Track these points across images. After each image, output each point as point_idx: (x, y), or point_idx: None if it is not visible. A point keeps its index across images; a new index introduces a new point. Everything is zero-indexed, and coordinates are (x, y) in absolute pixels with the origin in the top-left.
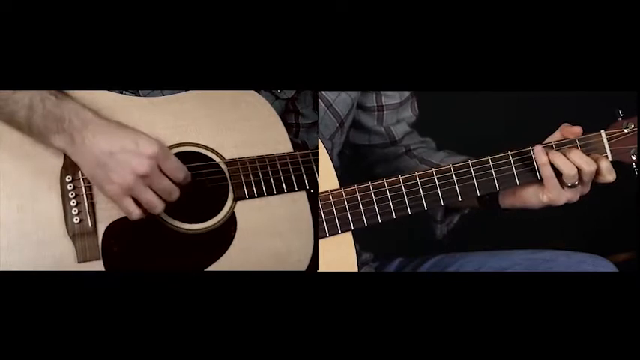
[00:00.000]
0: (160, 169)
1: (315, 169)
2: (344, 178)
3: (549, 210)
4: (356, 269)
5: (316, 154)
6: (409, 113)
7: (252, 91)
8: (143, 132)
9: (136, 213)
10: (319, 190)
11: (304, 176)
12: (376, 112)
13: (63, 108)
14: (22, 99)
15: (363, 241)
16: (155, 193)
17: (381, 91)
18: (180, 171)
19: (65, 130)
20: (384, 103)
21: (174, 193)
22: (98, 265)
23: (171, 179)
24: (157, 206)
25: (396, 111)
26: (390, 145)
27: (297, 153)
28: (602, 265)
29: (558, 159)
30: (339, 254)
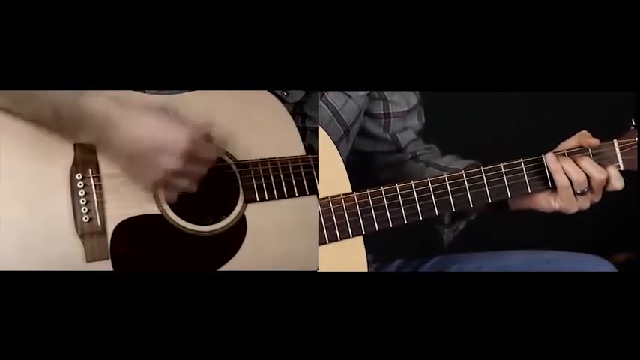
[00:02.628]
0: (194, 157)
1: (314, 175)
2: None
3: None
4: None
5: None
6: (416, 122)
7: (266, 92)
8: (174, 115)
9: (170, 199)
10: (332, 193)
11: (316, 180)
12: (383, 120)
13: (83, 101)
14: (44, 97)
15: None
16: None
17: (389, 99)
18: (212, 154)
19: (90, 125)
20: (391, 111)
21: (206, 171)
22: (106, 265)
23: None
24: (191, 189)
25: (403, 119)
26: (395, 152)
27: (309, 156)
28: (602, 266)
29: (568, 165)
30: (350, 259)
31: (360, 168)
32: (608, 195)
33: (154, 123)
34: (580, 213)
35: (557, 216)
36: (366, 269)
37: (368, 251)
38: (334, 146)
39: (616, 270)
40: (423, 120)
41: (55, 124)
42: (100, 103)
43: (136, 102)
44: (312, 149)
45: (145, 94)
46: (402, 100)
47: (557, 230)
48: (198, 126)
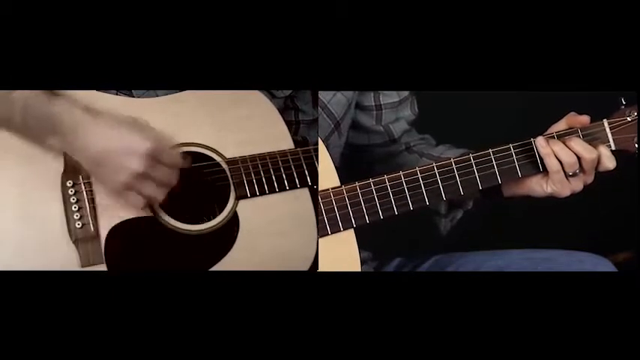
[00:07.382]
0: (158, 160)
1: (316, 164)
2: (344, 178)
3: (551, 209)
4: (359, 268)
5: (317, 150)
6: (408, 112)
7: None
8: (138, 123)
9: (138, 205)
10: (320, 188)
11: (306, 172)
12: (374, 112)
13: (54, 108)
14: (15, 103)
15: (361, 240)
16: (155, 183)
17: (379, 91)
18: (176, 160)
19: (58, 131)
20: (382, 102)
21: (173, 180)
22: (101, 269)
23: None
24: (158, 196)
25: (395, 109)
26: (389, 143)
27: (299, 149)
28: (601, 264)
29: (558, 147)
30: (342, 253)
31: (354, 162)
32: (608, 195)
33: (118, 128)
34: (579, 212)
35: (557, 214)
36: (359, 264)
37: (366, 248)
38: (320, 140)
39: (616, 269)
40: (416, 110)
41: (23, 130)
42: (67, 109)
43: (104, 109)
44: (306, 142)
45: (117, 95)
46: (393, 91)
47: (557, 229)
48: (164, 136)
